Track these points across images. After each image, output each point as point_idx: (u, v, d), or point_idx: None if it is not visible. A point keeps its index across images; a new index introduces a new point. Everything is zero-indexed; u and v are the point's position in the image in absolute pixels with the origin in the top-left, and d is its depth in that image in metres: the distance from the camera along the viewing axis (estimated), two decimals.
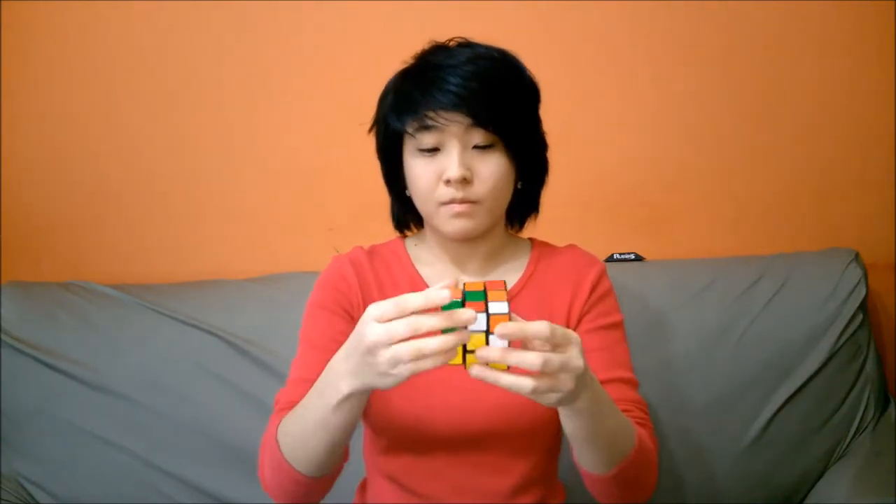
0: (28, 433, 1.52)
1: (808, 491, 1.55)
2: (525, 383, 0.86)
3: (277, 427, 1.06)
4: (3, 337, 1.53)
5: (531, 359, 0.85)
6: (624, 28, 1.67)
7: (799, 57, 1.67)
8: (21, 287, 1.60)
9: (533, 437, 1.16)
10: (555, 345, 0.86)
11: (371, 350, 0.86)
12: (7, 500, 1.45)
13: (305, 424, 1.00)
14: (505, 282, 0.90)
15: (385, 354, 0.85)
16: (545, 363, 0.85)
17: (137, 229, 1.72)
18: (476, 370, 0.86)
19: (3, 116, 1.68)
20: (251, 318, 1.57)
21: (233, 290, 1.61)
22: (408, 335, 0.84)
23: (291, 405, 1.08)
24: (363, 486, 1.26)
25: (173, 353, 1.54)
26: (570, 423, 0.98)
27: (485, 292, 0.87)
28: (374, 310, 0.86)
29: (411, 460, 1.15)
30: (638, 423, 1.13)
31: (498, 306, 0.86)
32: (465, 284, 0.89)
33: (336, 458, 1.04)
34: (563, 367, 0.86)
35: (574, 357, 0.88)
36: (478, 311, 0.84)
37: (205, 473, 1.52)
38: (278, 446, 1.04)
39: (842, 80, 1.67)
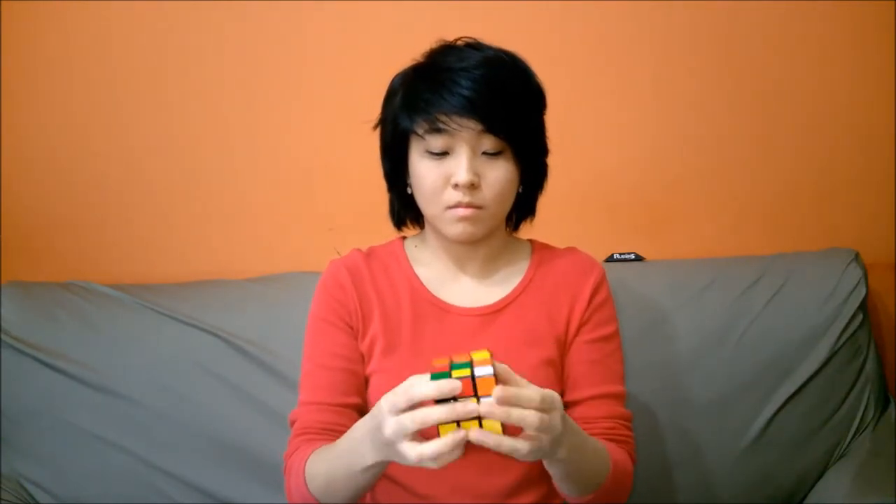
0: (28, 433, 1.52)
1: (808, 491, 1.54)
2: (522, 445, 0.90)
3: (305, 467, 1.09)
4: (3, 337, 1.53)
5: (531, 418, 0.89)
6: (624, 28, 1.67)
7: (799, 57, 1.67)
8: (21, 287, 1.59)
9: None
10: (542, 409, 0.91)
11: (389, 443, 0.92)
12: (7, 500, 1.45)
13: (334, 477, 1.05)
14: (490, 352, 0.93)
15: (401, 447, 0.90)
16: (541, 422, 0.90)
17: (137, 229, 1.72)
18: (475, 434, 0.89)
19: (3, 116, 1.67)
20: (251, 318, 1.56)
21: (233, 290, 1.61)
22: (417, 429, 0.89)
23: (306, 430, 1.14)
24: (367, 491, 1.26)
25: (173, 353, 1.54)
26: (551, 467, 1.04)
27: (471, 363, 0.91)
28: (388, 404, 0.91)
29: None
30: (619, 440, 1.17)
31: (483, 370, 0.90)
32: (452, 357, 0.93)
33: (363, 495, 1.09)
34: (549, 430, 0.92)
35: (555, 419, 0.93)
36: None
37: (205, 473, 1.52)
38: (307, 486, 1.08)
39: (842, 79, 1.67)
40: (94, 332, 1.55)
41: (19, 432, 1.52)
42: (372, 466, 0.99)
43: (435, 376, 0.89)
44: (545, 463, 1.04)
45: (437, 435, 0.90)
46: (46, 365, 1.52)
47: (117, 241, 1.73)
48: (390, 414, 0.90)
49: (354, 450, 1.00)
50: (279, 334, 1.53)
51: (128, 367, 1.53)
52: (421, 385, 0.89)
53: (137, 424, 1.52)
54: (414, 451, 0.89)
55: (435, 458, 0.89)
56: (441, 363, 0.91)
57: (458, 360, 0.91)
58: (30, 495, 1.51)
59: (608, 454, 1.10)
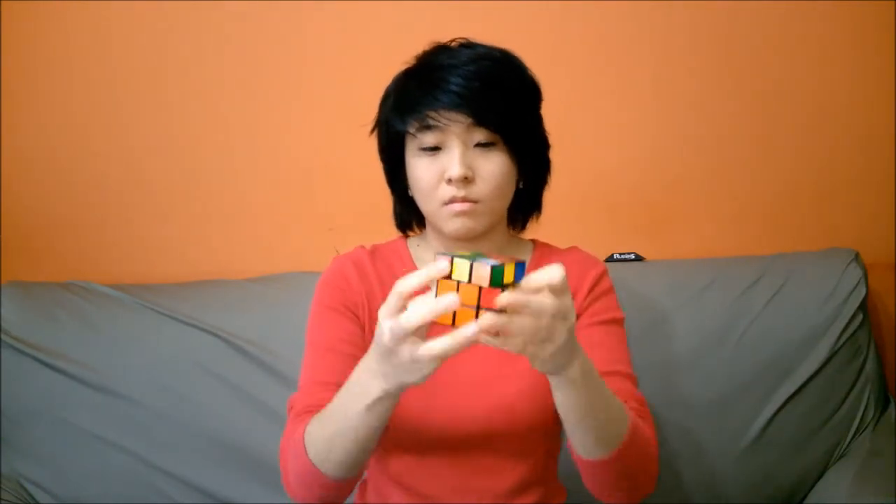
0: (28, 433, 1.52)
1: (808, 491, 1.55)
2: (528, 322, 0.83)
3: (304, 433, 1.03)
4: (3, 337, 1.53)
5: (548, 302, 0.82)
6: (624, 28, 1.67)
7: (799, 57, 1.67)
8: (21, 287, 1.59)
9: (532, 438, 1.16)
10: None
11: (392, 350, 0.86)
12: (7, 500, 1.45)
13: (336, 427, 0.99)
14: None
15: (405, 349, 0.85)
16: (558, 310, 0.83)
17: (137, 229, 1.72)
18: (482, 334, 0.81)
19: (3, 116, 1.67)
20: (251, 318, 1.56)
21: (233, 290, 1.61)
22: (417, 325, 0.83)
23: (308, 409, 1.08)
24: (364, 486, 1.26)
25: (173, 353, 1.54)
26: (562, 396, 0.95)
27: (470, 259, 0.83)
28: (382, 311, 0.86)
29: (412, 461, 1.16)
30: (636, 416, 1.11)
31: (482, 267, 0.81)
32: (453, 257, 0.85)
33: (365, 459, 1.03)
34: (564, 314, 0.85)
35: (571, 305, 0.86)
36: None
37: (205, 473, 1.52)
38: (305, 452, 1.02)
39: (842, 79, 1.67)
40: (94, 332, 1.55)
41: (19, 432, 1.52)
42: (377, 401, 0.93)
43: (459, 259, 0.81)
44: (557, 398, 0.96)
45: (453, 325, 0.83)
46: (46, 365, 1.52)
47: (117, 241, 1.73)
48: (386, 319, 0.85)
49: (359, 386, 0.95)
50: (279, 334, 1.53)
51: (128, 367, 1.53)
52: (407, 278, 0.84)
53: (137, 424, 1.52)
54: (424, 351, 0.83)
55: (444, 355, 0.83)
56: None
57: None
58: (30, 495, 1.51)
59: (624, 406, 1.03)
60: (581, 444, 1.01)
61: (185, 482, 1.52)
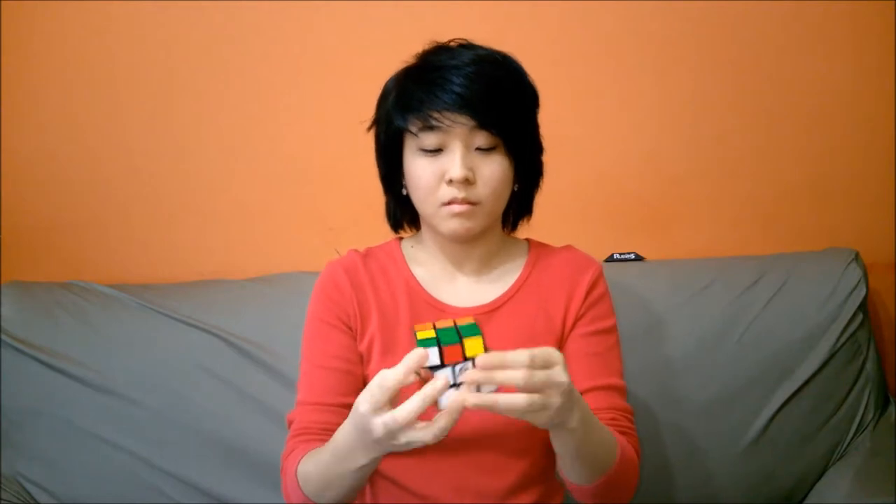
0: (28, 433, 1.52)
1: (808, 491, 1.55)
2: (519, 400, 0.89)
3: (298, 468, 1.09)
4: (3, 337, 1.53)
5: (518, 376, 0.89)
6: (624, 28, 1.67)
7: (799, 57, 1.67)
8: (21, 287, 1.60)
9: (531, 436, 1.16)
10: (534, 367, 0.90)
11: (379, 441, 0.92)
12: (7, 501, 1.45)
13: (327, 479, 1.05)
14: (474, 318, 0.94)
15: (401, 441, 0.91)
16: (531, 378, 0.89)
17: (137, 229, 1.72)
18: (472, 399, 0.89)
19: (3, 116, 1.68)
20: (251, 318, 1.57)
21: (233, 290, 1.61)
22: (414, 417, 0.89)
23: (303, 431, 1.14)
24: (362, 487, 1.26)
25: (173, 353, 1.54)
26: (560, 441, 1.02)
27: (457, 332, 0.91)
28: (368, 405, 0.92)
29: (410, 461, 1.15)
30: (623, 432, 1.15)
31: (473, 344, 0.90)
32: (435, 323, 0.94)
33: (356, 494, 1.08)
34: (548, 384, 0.91)
35: (558, 373, 0.92)
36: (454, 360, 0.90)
37: (205, 473, 1.52)
38: (300, 487, 1.08)
39: (842, 79, 1.67)
40: (94, 332, 1.55)
41: (19, 432, 1.52)
42: (365, 465, 1.00)
43: (421, 343, 0.90)
44: (555, 442, 1.02)
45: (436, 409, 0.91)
46: (46, 365, 1.52)
47: (117, 242, 1.73)
48: (374, 415, 0.91)
49: (345, 454, 1.00)
50: (279, 334, 1.53)
51: (128, 367, 1.53)
52: (390, 372, 0.90)
53: (137, 424, 1.52)
54: (417, 439, 0.90)
55: (436, 438, 0.90)
56: (424, 332, 0.91)
57: (442, 325, 0.93)
58: (30, 495, 1.51)
59: (615, 438, 1.09)
60: (570, 473, 1.07)
61: (185, 482, 1.52)
